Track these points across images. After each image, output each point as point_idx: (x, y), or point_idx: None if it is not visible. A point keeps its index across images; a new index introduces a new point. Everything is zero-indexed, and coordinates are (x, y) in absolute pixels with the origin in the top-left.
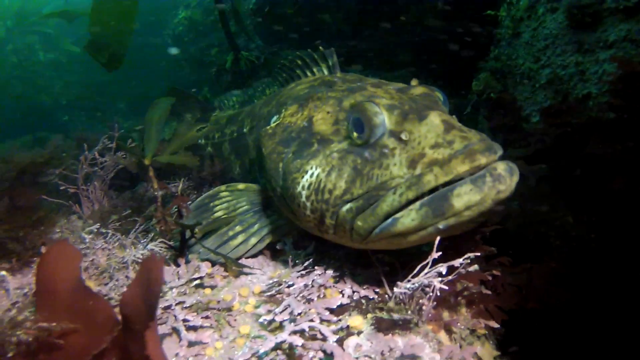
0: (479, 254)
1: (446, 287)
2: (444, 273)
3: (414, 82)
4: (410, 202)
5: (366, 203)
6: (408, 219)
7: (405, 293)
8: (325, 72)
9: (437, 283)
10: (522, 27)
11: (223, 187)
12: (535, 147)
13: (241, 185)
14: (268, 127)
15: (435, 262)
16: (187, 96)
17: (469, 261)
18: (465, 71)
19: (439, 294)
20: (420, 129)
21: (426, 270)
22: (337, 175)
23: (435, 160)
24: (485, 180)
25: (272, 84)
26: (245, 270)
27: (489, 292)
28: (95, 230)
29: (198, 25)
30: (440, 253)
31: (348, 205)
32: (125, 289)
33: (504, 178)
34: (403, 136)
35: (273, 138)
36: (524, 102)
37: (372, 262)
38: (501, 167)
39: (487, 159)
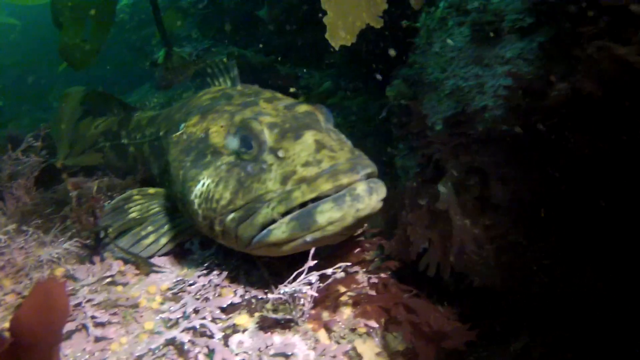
0: (349, 263)
1: (316, 294)
2: (313, 281)
3: (301, 98)
4: (281, 216)
5: (246, 214)
6: (279, 231)
7: (283, 296)
8: (229, 83)
9: (307, 290)
10: (434, 37)
11: (135, 191)
12: (434, 157)
13: (151, 190)
14: (174, 135)
15: (312, 269)
16: (108, 97)
17: (340, 270)
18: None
19: (312, 297)
20: (295, 147)
21: (302, 277)
22: (223, 187)
23: (304, 177)
24: (345, 200)
25: (188, 88)
26: (155, 268)
27: (374, 293)
28: (13, 229)
29: (141, 14)
30: (315, 262)
31: (232, 215)
32: None
33: (362, 198)
34: (280, 153)
35: (177, 146)
36: (430, 110)
37: (259, 265)
38: (361, 188)
39: (349, 179)
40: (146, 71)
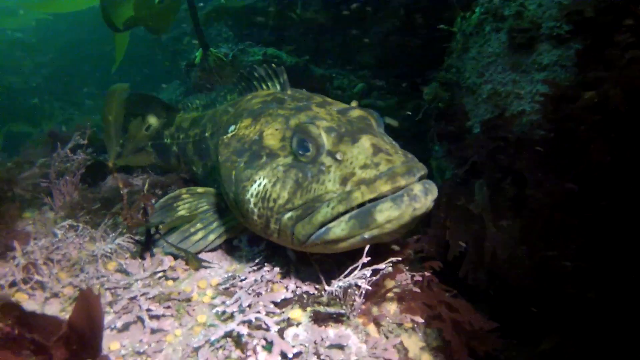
0: (400, 258)
1: (369, 287)
2: (367, 275)
3: (353, 103)
4: (340, 215)
5: (304, 213)
6: (338, 229)
7: (337, 291)
8: (278, 87)
9: (362, 283)
10: (470, 42)
11: (184, 190)
12: (472, 160)
13: (200, 189)
14: (225, 137)
15: (365, 265)
16: (150, 99)
17: (390, 265)
18: (424, 77)
19: (364, 292)
20: (352, 150)
21: (356, 272)
22: (281, 187)
23: (363, 179)
24: (403, 200)
25: (232, 91)
26: (204, 264)
27: (418, 290)
28: (67, 225)
29: None
30: (369, 258)
31: (289, 214)
32: (95, 281)
33: (419, 198)
34: (338, 156)
35: (228, 147)
36: (468, 113)
37: (311, 262)
38: (417, 188)
39: (406, 181)
40: (177, 71)
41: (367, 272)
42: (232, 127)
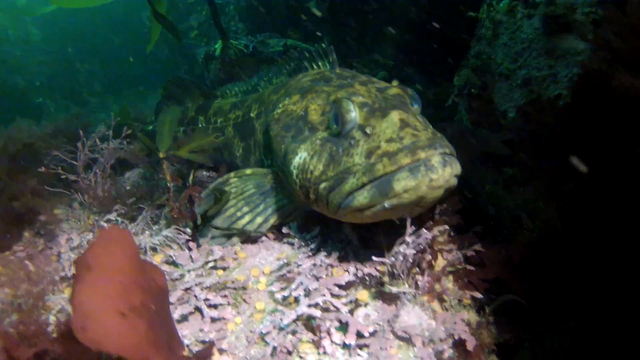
0: (445, 227)
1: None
2: (409, 242)
3: (394, 83)
4: (365, 185)
5: (335, 183)
6: (361, 197)
7: (400, 265)
8: (327, 67)
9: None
10: (501, 28)
11: (232, 174)
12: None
13: (248, 171)
14: (275, 113)
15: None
16: (188, 83)
17: (437, 233)
18: (448, 64)
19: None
20: (381, 124)
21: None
22: (317, 159)
23: (386, 152)
24: (420, 170)
25: (279, 74)
26: (257, 238)
27: (472, 268)
28: (112, 218)
29: (178, 6)
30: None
31: (324, 184)
32: None
33: (435, 169)
34: (367, 130)
35: (278, 123)
36: (501, 98)
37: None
38: (435, 160)
39: (426, 154)
40: (184, 65)
41: (410, 239)
42: (281, 104)
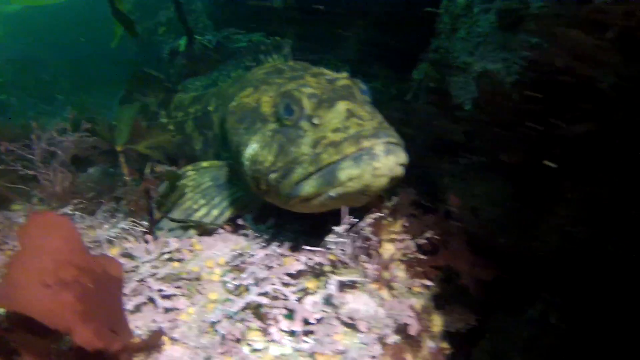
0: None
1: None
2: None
3: (344, 74)
4: (312, 174)
5: (285, 173)
6: (308, 186)
7: (346, 262)
8: (282, 59)
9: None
10: (459, 23)
11: (190, 167)
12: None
13: (205, 163)
14: (230, 106)
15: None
16: (151, 78)
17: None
18: (411, 59)
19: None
20: (328, 115)
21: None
22: (267, 150)
23: (332, 141)
24: (363, 158)
25: (237, 67)
26: (212, 230)
27: (423, 256)
28: (67, 211)
29: (145, 3)
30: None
31: (273, 175)
32: None
33: (378, 157)
34: (315, 120)
35: (233, 115)
36: (458, 91)
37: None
38: (378, 148)
39: (370, 143)
40: (153, 61)
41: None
42: (237, 97)
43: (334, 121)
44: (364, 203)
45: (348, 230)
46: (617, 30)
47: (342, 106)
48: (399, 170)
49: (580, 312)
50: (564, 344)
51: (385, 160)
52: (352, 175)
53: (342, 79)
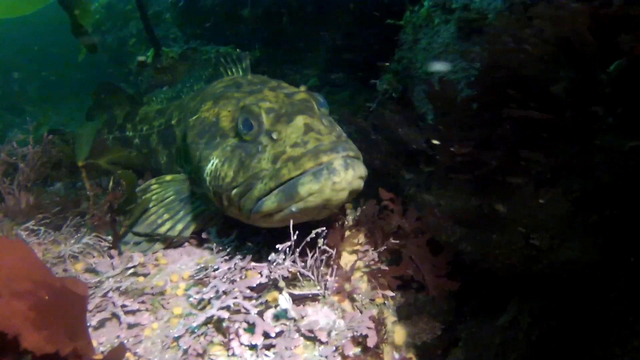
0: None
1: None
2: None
3: (302, 87)
4: (272, 190)
5: (245, 189)
6: (269, 201)
7: (304, 273)
8: (241, 72)
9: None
10: (420, 34)
11: (153, 181)
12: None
13: (169, 177)
14: (190, 120)
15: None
16: (117, 90)
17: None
18: (378, 70)
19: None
20: (287, 130)
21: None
22: (228, 166)
23: (291, 157)
24: (322, 173)
25: (199, 80)
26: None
27: (385, 267)
28: (30, 227)
29: (116, 14)
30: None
31: (235, 190)
32: None
33: (338, 171)
34: (274, 135)
35: (193, 129)
36: (420, 102)
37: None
38: (337, 163)
39: (329, 158)
40: (122, 74)
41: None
42: (197, 111)
43: (293, 136)
44: (326, 216)
45: (307, 244)
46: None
47: (300, 120)
48: (358, 184)
49: (551, 317)
50: (536, 349)
51: (344, 174)
52: (312, 190)
53: (300, 92)
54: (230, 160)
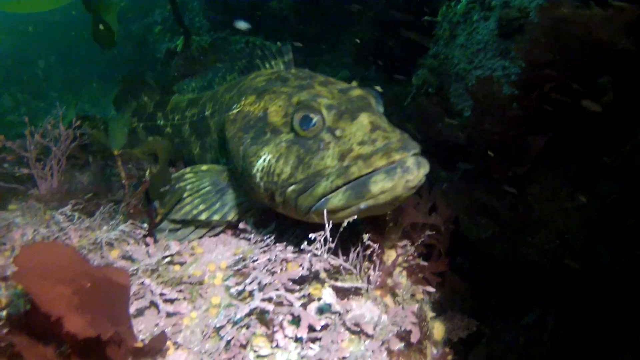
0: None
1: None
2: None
3: (354, 83)
4: (339, 187)
5: (306, 186)
6: (336, 199)
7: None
8: (282, 66)
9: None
10: (458, 30)
11: (188, 169)
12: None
13: (204, 167)
14: (230, 113)
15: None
16: (144, 81)
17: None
18: (407, 64)
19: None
20: (351, 127)
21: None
22: (284, 162)
23: (360, 155)
24: (396, 172)
25: (231, 71)
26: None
27: (424, 263)
28: (67, 212)
29: (140, 2)
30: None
31: (292, 187)
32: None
33: (411, 170)
34: (337, 133)
35: (235, 124)
36: (457, 98)
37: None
38: (410, 161)
39: (400, 156)
40: (145, 57)
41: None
42: (236, 105)
43: (359, 133)
44: (386, 212)
45: (344, 237)
46: None
47: (365, 118)
48: (423, 180)
49: (577, 318)
50: (561, 350)
51: (417, 172)
52: (385, 188)
53: (355, 88)
54: (287, 156)
